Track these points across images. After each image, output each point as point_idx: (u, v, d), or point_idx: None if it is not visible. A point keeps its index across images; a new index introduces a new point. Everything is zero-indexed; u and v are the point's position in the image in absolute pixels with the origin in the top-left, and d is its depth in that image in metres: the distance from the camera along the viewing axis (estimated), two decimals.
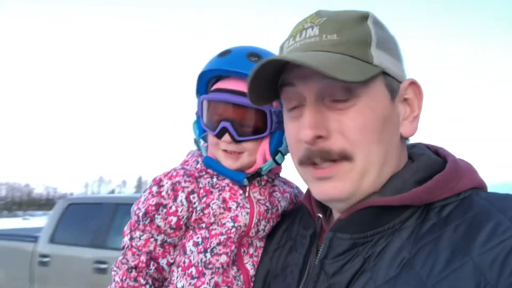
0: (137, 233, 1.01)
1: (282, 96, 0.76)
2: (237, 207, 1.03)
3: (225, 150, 1.04)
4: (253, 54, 1.02)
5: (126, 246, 1.02)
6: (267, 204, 1.07)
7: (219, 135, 1.02)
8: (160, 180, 1.03)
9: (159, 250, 1.02)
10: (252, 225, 1.03)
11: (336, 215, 0.78)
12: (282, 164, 1.12)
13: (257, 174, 1.05)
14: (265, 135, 1.03)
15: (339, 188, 0.70)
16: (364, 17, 0.71)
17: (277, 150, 1.04)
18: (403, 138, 0.75)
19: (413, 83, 0.73)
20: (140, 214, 1.00)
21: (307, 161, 0.71)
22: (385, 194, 0.69)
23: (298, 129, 0.71)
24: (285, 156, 1.06)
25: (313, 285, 0.71)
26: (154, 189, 1.02)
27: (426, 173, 0.70)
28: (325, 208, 0.81)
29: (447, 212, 0.65)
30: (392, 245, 0.65)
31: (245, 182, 1.04)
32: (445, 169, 0.69)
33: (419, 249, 0.62)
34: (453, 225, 0.62)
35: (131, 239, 1.01)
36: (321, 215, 0.80)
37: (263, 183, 1.09)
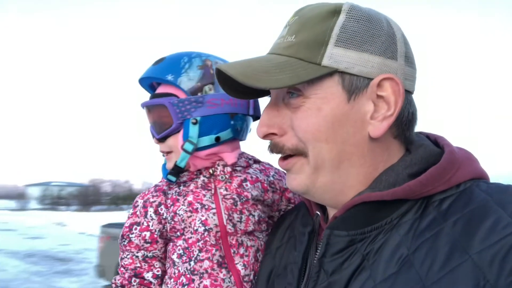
0: (124, 254, 1.12)
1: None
2: (202, 208, 1.06)
3: (164, 153, 1.11)
4: (159, 59, 1.10)
5: (118, 266, 1.13)
6: (234, 196, 1.08)
7: (153, 138, 1.11)
8: (136, 201, 1.14)
9: (144, 265, 1.11)
10: (224, 222, 1.05)
11: (331, 212, 0.78)
12: (235, 152, 1.12)
13: (177, 167, 1.07)
14: (175, 127, 1.06)
15: (297, 180, 0.73)
16: (335, 11, 0.69)
17: (187, 139, 1.05)
18: (401, 131, 0.72)
19: (390, 79, 0.67)
20: (120, 237, 1.13)
21: (271, 152, 0.76)
22: (378, 189, 0.68)
23: None
24: (196, 144, 1.05)
25: (313, 284, 0.71)
26: (130, 211, 1.14)
27: (421, 166, 0.68)
28: (323, 206, 0.81)
29: (446, 205, 0.63)
30: (391, 241, 0.64)
31: (171, 178, 1.08)
32: (440, 161, 0.66)
33: (418, 245, 0.60)
34: (452, 220, 0.60)
35: (121, 259, 1.13)
36: (318, 213, 0.81)
37: (227, 175, 1.10)
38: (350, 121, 0.69)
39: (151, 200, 1.11)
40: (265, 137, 0.74)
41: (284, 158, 0.75)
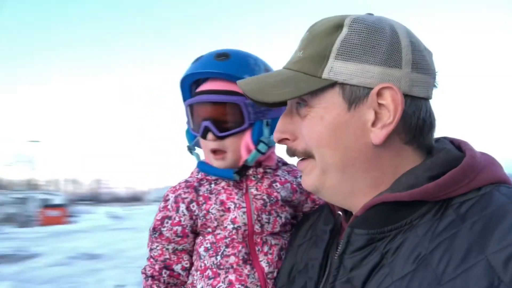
0: (154, 245, 1.15)
1: None
2: (235, 207, 1.09)
3: (213, 151, 1.11)
4: (221, 54, 1.10)
5: (147, 257, 1.17)
6: (264, 197, 1.11)
7: (204, 135, 1.10)
8: (167, 195, 1.16)
9: (173, 257, 1.14)
10: (253, 221, 1.08)
11: (353, 212, 0.80)
12: (275, 155, 1.18)
13: (245, 167, 1.10)
14: (245, 128, 1.09)
15: (307, 181, 0.80)
16: (338, 25, 0.73)
17: (260, 140, 1.09)
18: (414, 138, 0.74)
19: (389, 88, 0.69)
20: (151, 229, 1.15)
21: (288, 155, 0.84)
22: (397, 189, 0.71)
23: None
24: (269, 145, 1.10)
25: (333, 279, 0.74)
26: (161, 204, 1.16)
27: (442, 169, 0.69)
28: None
29: (466, 208, 0.64)
30: (409, 241, 0.66)
31: (236, 177, 1.10)
32: (460, 165, 0.68)
33: (436, 245, 0.62)
34: (470, 222, 0.61)
35: (150, 250, 1.16)
36: (340, 213, 0.85)
37: (259, 176, 1.13)
38: (351, 129, 0.72)
39: (183, 196, 1.13)
40: (279, 141, 0.82)
41: (300, 160, 0.82)
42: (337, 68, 0.71)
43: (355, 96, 0.71)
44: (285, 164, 1.25)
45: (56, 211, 29.35)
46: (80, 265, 9.55)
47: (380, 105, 0.71)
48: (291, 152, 0.82)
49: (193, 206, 1.12)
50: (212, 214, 1.09)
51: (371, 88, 0.70)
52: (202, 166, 1.15)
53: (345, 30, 0.72)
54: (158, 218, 1.14)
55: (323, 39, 0.73)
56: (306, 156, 0.79)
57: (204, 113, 1.10)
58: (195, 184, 1.15)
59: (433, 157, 0.73)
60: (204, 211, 1.10)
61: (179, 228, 1.12)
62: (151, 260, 1.15)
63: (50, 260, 10.14)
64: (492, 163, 0.71)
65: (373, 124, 0.71)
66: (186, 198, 1.13)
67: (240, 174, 1.11)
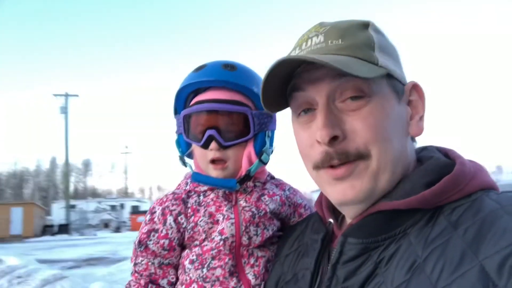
0: (139, 259, 1.10)
1: (292, 102, 0.78)
2: (223, 219, 1.07)
3: (212, 161, 1.08)
4: (228, 64, 1.08)
5: (131, 272, 1.12)
6: (253, 209, 1.09)
7: (206, 144, 1.06)
8: (153, 207, 1.13)
9: (159, 271, 1.10)
10: (241, 233, 1.06)
11: (348, 220, 0.79)
12: (266, 169, 1.17)
13: (247, 176, 1.08)
14: (249, 138, 1.07)
15: (357, 187, 0.70)
16: (365, 24, 0.75)
17: (262, 150, 1.08)
18: (411, 141, 0.76)
19: (416, 86, 0.75)
20: (136, 243, 1.10)
21: (324, 165, 0.71)
22: (394, 198, 0.69)
23: (310, 133, 0.73)
24: (270, 156, 1.11)
25: None
26: (148, 217, 1.12)
27: (435, 176, 0.69)
28: (336, 214, 0.83)
29: (457, 214, 0.63)
30: (403, 249, 0.65)
31: (237, 186, 1.08)
32: (453, 171, 0.68)
33: (429, 253, 0.61)
34: (462, 228, 0.60)
35: (134, 265, 1.11)
36: (332, 220, 0.82)
37: (249, 189, 1.12)
38: (401, 121, 0.72)
39: (171, 208, 1.10)
40: (329, 142, 0.69)
41: (336, 166, 0.71)
42: (384, 60, 0.70)
43: (397, 89, 0.72)
44: (272, 178, 1.23)
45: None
46: None
47: (409, 100, 0.75)
48: (342, 155, 0.69)
49: (181, 219, 1.09)
50: (201, 226, 1.07)
51: (403, 84, 0.74)
52: (198, 176, 1.11)
53: (371, 29, 0.74)
54: (144, 231, 1.10)
55: (358, 32, 0.72)
56: (358, 157, 0.69)
57: (208, 122, 1.07)
58: (183, 196, 1.12)
59: (425, 164, 0.73)
60: (192, 224, 1.08)
61: (166, 241, 1.08)
62: (136, 275, 1.10)
63: None
64: (480, 170, 0.71)
65: (410, 118, 0.74)
66: (174, 210, 1.10)
67: (241, 183, 1.08)
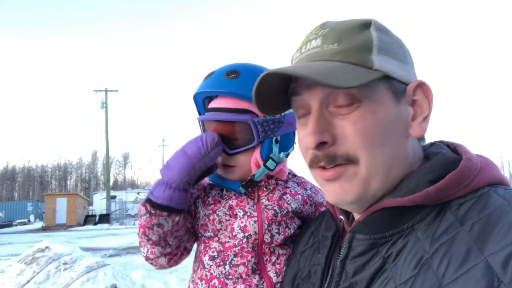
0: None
1: (292, 105, 0.79)
2: (243, 215, 1.09)
3: (222, 164, 1.13)
4: (231, 71, 1.10)
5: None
6: (275, 208, 1.10)
7: None
8: None
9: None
10: (264, 231, 1.08)
11: (356, 217, 0.80)
12: (286, 168, 1.19)
13: (251, 181, 1.10)
14: (254, 145, 1.09)
15: (346, 189, 0.72)
16: (366, 24, 0.73)
17: (269, 156, 1.08)
18: (417, 139, 0.76)
19: (422, 84, 0.73)
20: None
21: (315, 165, 0.74)
22: (399, 194, 0.70)
23: (304, 136, 0.75)
24: (277, 162, 1.10)
25: (335, 284, 0.74)
26: None
27: (440, 172, 0.69)
28: (347, 211, 0.84)
29: (464, 210, 0.63)
30: (410, 245, 0.65)
31: (241, 190, 1.10)
32: (458, 167, 0.67)
33: (436, 249, 0.61)
34: (469, 224, 0.61)
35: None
36: (342, 217, 0.84)
37: (271, 187, 1.14)
38: (399, 123, 0.71)
39: (191, 191, 1.14)
40: (317, 147, 0.71)
41: (330, 168, 0.72)
42: (383, 62, 0.70)
43: (397, 90, 0.72)
44: (294, 176, 1.24)
45: None
46: None
47: (413, 100, 0.73)
48: (330, 159, 0.71)
49: (198, 203, 1.14)
50: (218, 216, 1.10)
51: (406, 84, 0.73)
52: (211, 175, 1.16)
53: (373, 29, 0.72)
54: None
55: (357, 34, 0.71)
56: (347, 161, 0.70)
57: (215, 130, 1.11)
58: (206, 185, 1.19)
59: (431, 161, 0.72)
60: (210, 211, 1.11)
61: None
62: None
63: None
64: (489, 165, 0.70)
65: (412, 118, 0.73)
66: (193, 193, 1.15)
67: (246, 187, 1.12)
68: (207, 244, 1.12)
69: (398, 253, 0.66)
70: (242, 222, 1.08)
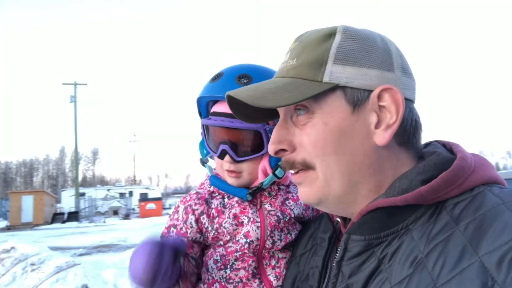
0: None
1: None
2: (248, 221, 1.08)
3: (228, 170, 1.10)
4: (243, 76, 1.07)
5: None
6: (278, 214, 1.10)
7: (221, 157, 1.09)
8: (177, 206, 1.15)
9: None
10: (266, 237, 1.07)
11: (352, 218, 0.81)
12: (290, 174, 1.14)
13: (259, 188, 1.08)
14: (263, 153, 1.08)
15: (307, 193, 0.76)
16: (331, 33, 0.74)
17: (277, 164, 1.07)
18: (409, 141, 0.75)
19: (388, 89, 0.71)
20: (160, 236, 1.12)
21: (286, 169, 0.80)
22: (391, 194, 0.70)
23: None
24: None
25: (332, 286, 0.75)
26: (172, 214, 1.16)
27: (434, 172, 0.69)
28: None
29: (459, 209, 0.63)
30: (405, 245, 0.66)
31: (248, 197, 1.08)
32: (451, 167, 0.67)
33: (431, 249, 0.61)
34: (463, 224, 0.61)
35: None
36: (339, 220, 0.85)
37: (274, 193, 1.13)
38: (356, 132, 0.72)
39: (194, 207, 1.11)
40: (276, 153, 0.78)
41: (296, 172, 0.78)
42: (337, 72, 0.71)
43: (357, 98, 0.71)
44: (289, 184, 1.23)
45: (153, 204, 31.52)
46: None
47: (380, 107, 0.72)
48: (289, 165, 0.77)
49: (204, 219, 1.10)
50: (225, 228, 1.08)
51: (370, 91, 0.72)
52: (215, 181, 1.14)
53: (338, 37, 0.73)
54: (166, 226, 1.14)
55: (317, 46, 0.73)
56: (305, 167, 0.75)
57: (222, 136, 1.08)
58: (207, 196, 1.14)
59: (425, 161, 0.73)
60: (217, 225, 1.09)
61: (184, 240, 1.09)
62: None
63: None
64: (483, 164, 0.70)
65: (376, 126, 0.72)
66: (196, 210, 1.11)
67: (252, 195, 1.09)
68: (215, 249, 1.11)
69: (393, 254, 0.67)
70: (246, 229, 1.07)
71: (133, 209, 36.48)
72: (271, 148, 0.77)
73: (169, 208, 38.21)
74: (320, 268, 0.82)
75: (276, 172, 1.08)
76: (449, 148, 0.78)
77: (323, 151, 0.72)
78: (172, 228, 1.12)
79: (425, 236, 0.64)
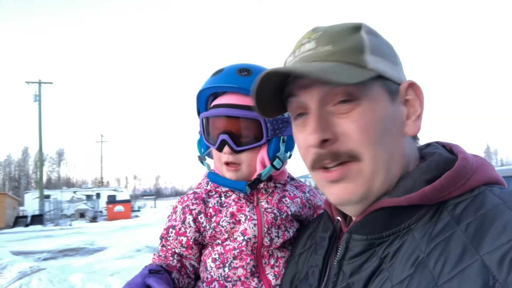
0: (162, 251, 1.17)
1: (288, 107, 0.80)
2: (245, 219, 1.09)
3: (226, 163, 1.10)
4: (243, 69, 1.09)
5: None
6: (275, 211, 1.11)
7: (220, 148, 1.09)
8: (175, 206, 1.17)
9: (184, 254, 1.15)
10: (263, 234, 1.08)
11: (353, 218, 0.80)
12: (287, 170, 1.19)
13: (258, 180, 1.09)
14: (262, 143, 1.09)
15: (351, 189, 0.72)
16: (357, 27, 0.75)
17: (275, 155, 1.09)
18: (413, 139, 0.77)
19: (413, 84, 0.75)
20: (160, 237, 1.18)
21: (317, 165, 0.74)
22: (396, 194, 0.70)
23: (305, 136, 0.75)
24: (283, 161, 1.11)
25: (332, 285, 0.75)
26: (170, 215, 1.18)
27: (436, 172, 0.70)
28: (344, 212, 0.84)
29: (460, 209, 0.64)
30: (407, 245, 0.66)
31: (247, 189, 1.09)
32: (454, 167, 0.68)
33: (432, 248, 0.62)
34: (464, 224, 0.61)
35: (159, 256, 1.16)
36: (340, 218, 0.84)
37: (270, 190, 1.14)
38: (395, 121, 0.73)
39: (191, 207, 1.12)
40: (320, 144, 0.71)
41: (329, 168, 0.72)
42: (375, 62, 0.71)
43: (391, 89, 0.73)
44: (292, 179, 1.24)
45: (122, 207, 30.82)
46: (144, 258, 9.74)
47: (405, 100, 0.75)
48: (332, 156, 0.71)
49: (201, 218, 1.11)
50: (223, 227, 1.09)
51: (398, 84, 0.74)
52: (213, 176, 1.14)
53: (364, 32, 0.74)
54: (165, 227, 1.16)
55: (349, 36, 0.73)
56: (351, 158, 0.70)
57: (222, 127, 1.09)
58: (204, 195, 1.15)
59: (427, 160, 0.73)
60: (214, 224, 1.10)
61: (184, 239, 1.12)
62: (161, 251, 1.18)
63: (116, 253, 10.50)
64: (484, 164, 0.71)
65: (406, 117, 0.74)
66: (194, 209, 1.12)
67: (252, 187, 1.10)
68: (213, 248, 1.12)
69: (394, 253, 0.67)
70: (243, 226, 1.08)
71: (101, 211, 35.55)
72: (315, 137, 0.70)
73: (138, 211, 37.42)
74: (320, 267, 0.82)
75: (274, 163, 1.09)
76: (449, 149, 0.78)
77: (374, 139, 0.69)
78: (171, 229, 1.14)
79: (427, 235, 0.64)
